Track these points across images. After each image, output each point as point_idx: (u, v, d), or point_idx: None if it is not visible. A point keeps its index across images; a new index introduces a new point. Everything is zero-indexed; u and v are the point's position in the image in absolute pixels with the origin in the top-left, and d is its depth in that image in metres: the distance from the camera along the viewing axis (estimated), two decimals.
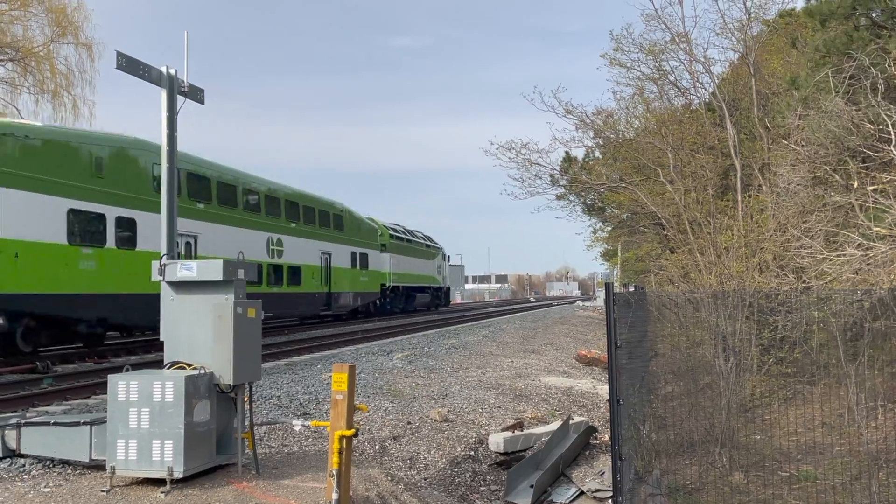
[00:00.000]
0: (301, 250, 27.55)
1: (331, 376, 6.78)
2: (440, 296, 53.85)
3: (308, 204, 29.12)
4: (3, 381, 13.05)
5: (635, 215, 26.80)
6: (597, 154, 28.11)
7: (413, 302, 45.89)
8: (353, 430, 6.56)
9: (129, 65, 7.18)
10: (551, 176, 27.05)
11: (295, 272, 26.95)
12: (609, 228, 37.70)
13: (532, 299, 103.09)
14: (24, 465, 7.28)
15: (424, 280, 48.78)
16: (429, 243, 50.77)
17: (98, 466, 7.11)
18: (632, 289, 12.35)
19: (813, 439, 8.96)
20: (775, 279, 12.75)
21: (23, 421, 7.51)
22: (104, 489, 6.66)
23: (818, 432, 9.04)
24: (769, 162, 16.45)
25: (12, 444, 7.37)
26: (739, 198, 17.21)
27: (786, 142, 14.22)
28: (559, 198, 29.83)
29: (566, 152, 27.56)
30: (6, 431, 7.38)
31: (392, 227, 43.45)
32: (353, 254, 33.73)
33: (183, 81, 7.65)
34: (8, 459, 7.38)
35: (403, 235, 44.66)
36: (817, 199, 12.40)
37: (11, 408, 10.32)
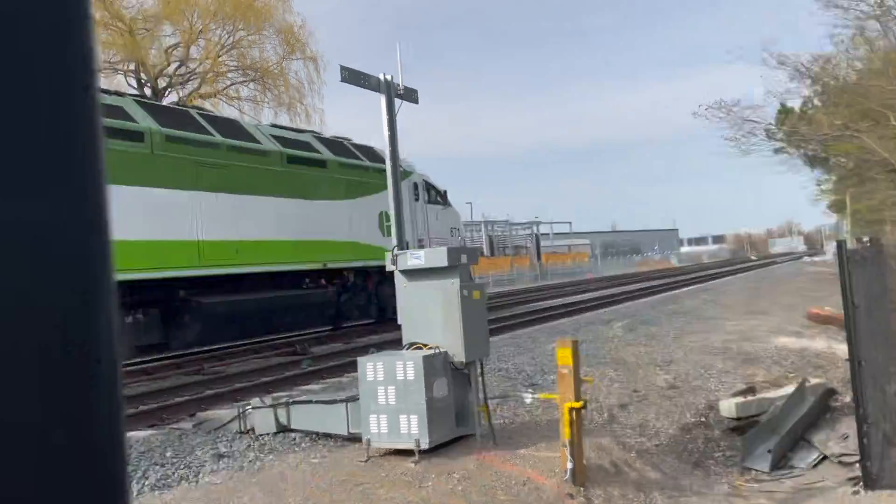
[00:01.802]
0: None
1: (554, 347, 7.11)
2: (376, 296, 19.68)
3: None
4: (272, 364, 14.67)
5: (865, 163, 24.80)
6: (815, 102, 26.28)
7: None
8: (582, 402, 6.84)
9: (351, 76, 7.88)
10: (766, 131, 25.65)
11: None
12: (835, 179, 35.06)
13: (753, 258, 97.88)
14: (294, 439, 8.26)
15: (268, 253, 15.46)
16: (321, 151, 17.69)
17: (355, 439, 7.89)
18: (866, 240, 11.55)
19: None
20: None
21: (291, 400, 8.57)
22: (361, 460, 7.41)
23: None
24: None
25: (284, 421, 8.40)
26: None
27: None
28: (776, 152, 28.20)
29: (781, 104, 25.97)
30: (278, 410, 8.44)
31: None
32: None
33: (399, 85, 8.26)
34: (281, 434, 8.42)
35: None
36: None
37: (278, 388, 11.61)
